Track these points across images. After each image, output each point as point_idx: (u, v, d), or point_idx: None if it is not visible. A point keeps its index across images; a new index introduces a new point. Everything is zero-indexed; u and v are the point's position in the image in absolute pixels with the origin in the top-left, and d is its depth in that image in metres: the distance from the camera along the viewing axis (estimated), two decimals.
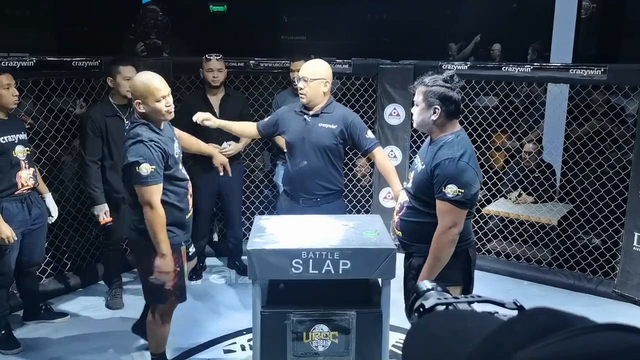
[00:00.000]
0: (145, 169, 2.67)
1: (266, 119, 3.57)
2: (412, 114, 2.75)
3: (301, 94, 3.34)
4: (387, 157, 3.46)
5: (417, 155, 2.84)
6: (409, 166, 3.08)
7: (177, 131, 3.10)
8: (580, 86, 4.42)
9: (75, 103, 4.48)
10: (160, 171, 2.74)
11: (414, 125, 2.79)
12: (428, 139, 2.77)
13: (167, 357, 3.22)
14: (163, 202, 2.78)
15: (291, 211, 3.33)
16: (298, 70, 3.67)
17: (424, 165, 2.62)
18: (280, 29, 13.51)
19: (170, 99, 2.83)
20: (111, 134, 3.79)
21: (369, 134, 3.40)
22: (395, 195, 3.28)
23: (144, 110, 2.77)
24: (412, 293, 0.95)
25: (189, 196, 2.98)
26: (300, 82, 3.34)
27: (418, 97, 2.65)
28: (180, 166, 2.95)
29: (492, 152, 5.12)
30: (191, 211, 3.02)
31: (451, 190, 2.50)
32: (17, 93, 3.36)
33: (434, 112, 2.58)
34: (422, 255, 2.65)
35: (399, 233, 2.77)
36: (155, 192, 2.72)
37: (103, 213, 3.82)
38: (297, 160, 3.38)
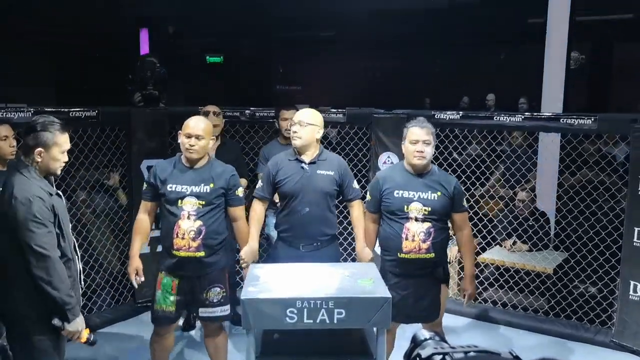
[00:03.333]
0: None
1: (262, 184, 3.53)
2: (420, 152, 3.21)
3: (296, 137, 3.41)
4: (363, 212, 3.55)
5: (403, 190, 3.25)
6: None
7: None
8: (571, 135, 4.48)
9: (108, 176, 4.70)
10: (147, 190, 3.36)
11: (425, 161, 3.23)
12: (402, 173, 3.31)
13: None
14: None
15: (292, 258, 3.32)
16: (286, 119, 4.01)
17: (440, 193, 3.22)
18: (276, 79, 13.74)
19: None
20: None
21: (355, 184, 3.57)
22: (358, 252, 3.50)
23: None
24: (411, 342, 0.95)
25: (174, 233, 3.20)
26: (295, 126, 3.41)
27: (429, 136, 3.22)
28: (177, 201, 3.20)
29: (486, 201, 5.14)
30: (178, 249, 3.21)
31: (466, 202, 3.40)
32: (14, 144, 3.39)
33: (433, 148, 3.27)
34: (446, 261, 3.40)
35: (431, 255, 3.21)
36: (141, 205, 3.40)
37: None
38: (298, 207, 3.41)
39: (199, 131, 3.19)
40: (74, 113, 4.17)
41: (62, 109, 4.14)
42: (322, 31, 11.39)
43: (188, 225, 3.18)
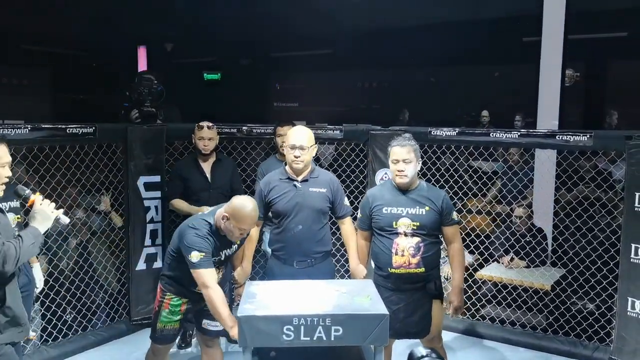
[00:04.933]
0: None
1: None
2: (401, 171, 3.25)
3: (299, 161, 3.41)
4: (354, 229, 3.60)
5: (392, 207, 3.29)
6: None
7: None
8: (567, 152, 4.49)
9: (99, 201, 4.65)
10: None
11: (407, 180, 3.25)
12: (391, 190, 3.34)
13: None
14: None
15: (286, 275, 3.34)
16: (283, 136, 3.97)
17: (428, 208, 3.25)
18: (273, 96, 13.80)
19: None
20: None
21: (346, 201, 3.62)
22: (352, 269, 3.54)
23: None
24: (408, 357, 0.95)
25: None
26: (297, 151, 3.40)
27: (409, 155, 3.24)
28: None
29: (483, 217, 5.14)
30: (198, 289, 3.13)
31: (456, 215, 3.39)
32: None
33: (418, 164, 3.32)
34: (438, 276, 3.38)
35: (421, 270, 3.23)
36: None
37: None
38: (291, 225, 3.42)
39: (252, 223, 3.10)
40: (71, 129, 4.17)
41: (60, 125, 4.14)
42: (319, 49, 11.47)
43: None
